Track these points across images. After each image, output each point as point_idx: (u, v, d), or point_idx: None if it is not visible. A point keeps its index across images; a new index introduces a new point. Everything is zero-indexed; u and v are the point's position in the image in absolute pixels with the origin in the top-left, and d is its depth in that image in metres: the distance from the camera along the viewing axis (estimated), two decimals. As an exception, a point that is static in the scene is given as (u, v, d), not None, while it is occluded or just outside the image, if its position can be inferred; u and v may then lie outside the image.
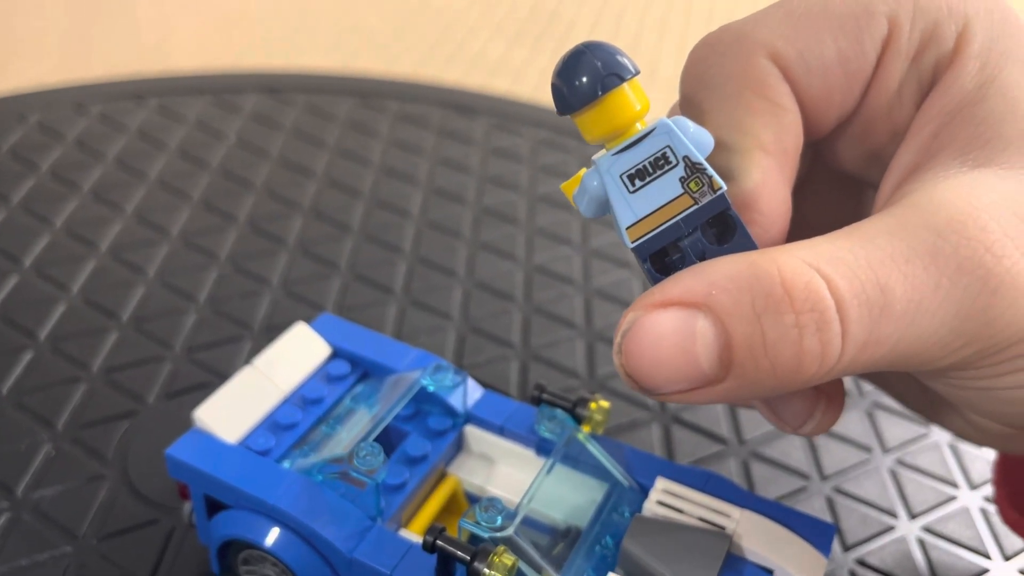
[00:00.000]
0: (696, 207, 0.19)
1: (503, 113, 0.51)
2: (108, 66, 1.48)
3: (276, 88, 0.52)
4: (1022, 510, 0.26)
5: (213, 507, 0.25)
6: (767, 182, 0.19)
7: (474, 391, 0.28)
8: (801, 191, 0.23)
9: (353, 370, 0.28)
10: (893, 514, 0.30)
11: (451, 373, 0.27)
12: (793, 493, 0.31)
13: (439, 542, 0.22)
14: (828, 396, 0.21)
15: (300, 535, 0.24)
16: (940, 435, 0.33)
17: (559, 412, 0.26)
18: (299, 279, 0.38)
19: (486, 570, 0.21)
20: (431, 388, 0.27)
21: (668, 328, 0.18)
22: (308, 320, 0.29)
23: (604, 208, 0.19)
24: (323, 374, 0.28)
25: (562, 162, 0.47)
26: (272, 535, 0.24)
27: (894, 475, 0.32)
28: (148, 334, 0.35)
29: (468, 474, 0.27)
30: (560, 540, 0.24)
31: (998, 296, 0.18)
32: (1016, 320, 0.18)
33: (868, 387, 0.35)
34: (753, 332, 0.17)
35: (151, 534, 0.28)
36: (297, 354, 0.28)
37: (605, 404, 0.26)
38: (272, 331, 0.36)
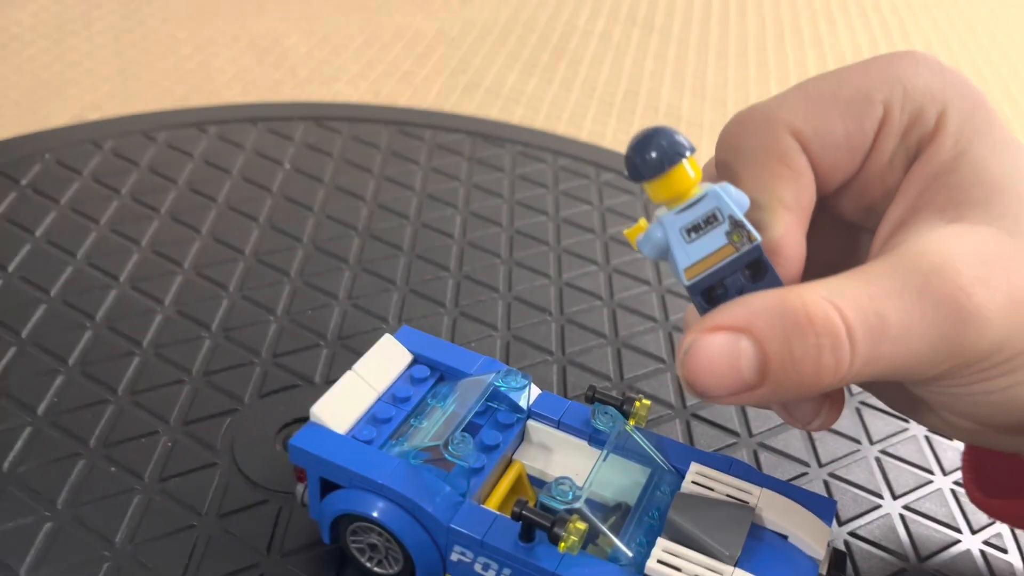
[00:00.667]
0: (737, 255, 0.24)
1: (526, 142, 0.57)
2: (155, 96, 1.55)
3: (322, 117, 0.57)
4: (986, 491, 0.32)
5: (325, 488, 0.31)
6: (789, 233, 0.25)
7: (534, 391, 0.33)
8: (808, 234, 0.28)
9: (432, 373, 0.34)
10: (879, 495, 0.36)
11: (519, 376, 0.33)
12: (795, 478, 0.37)
13: (525, 512, 0.27)
14: (831, 399, 0.27)
15: (404, 508, 0.29)
16: (918, 429, 0.39)
17: (611, 408, 0.31)
18: (362, 294, 0.44)
19: (564, 534, 0.27)
20: (502, 388, 0.32)
21: (719, 348, 0.23)
22: (387, 332, 0.34)
23: (664, 253, 0.25)
24: (407, 377, 0.33)
25: (583, 187, 0.53)
26: (381, 508, 0.29)
27: (879, 463, 0.38)
28: (237, 342, 0.40)
29: (531, 460, 0.33)
30: (613, 514, 0.30)
31: (968, 325, 0.23)
32: (981, 344, 0.24)
33: (856, 389, 0.41)
34: (784, 351, 0.23)
35: (263, 512, 0.33)
36: (386, 361, 0.34)
37: (647, 403, 0.32)
38: (344, 339, 0.41)
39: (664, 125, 0.24)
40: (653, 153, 0.24)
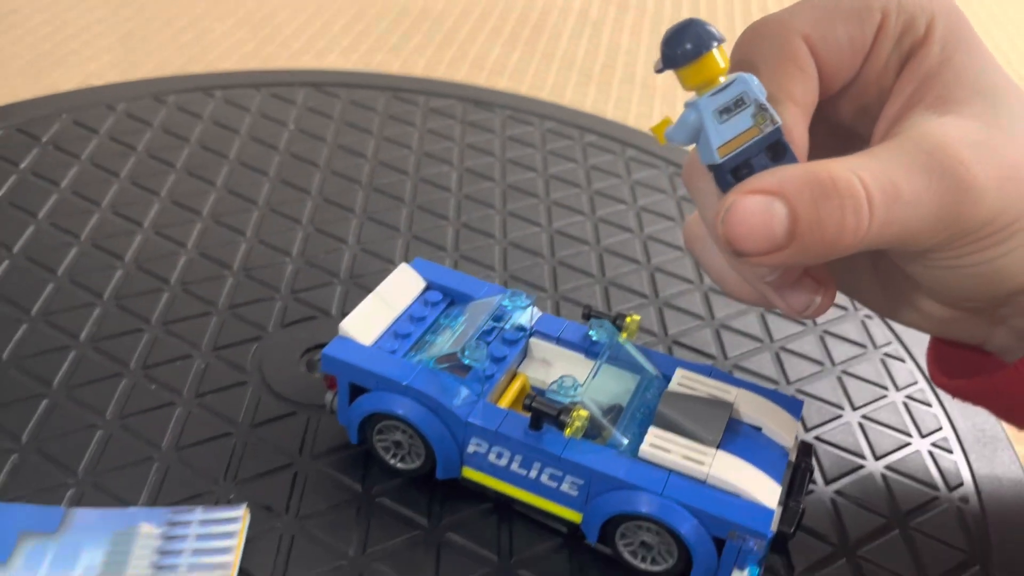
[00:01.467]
0: (761, 136, 0.28)
1: (515, 107, 0.61)
2: (156, 65, 1.58)
3: (321, 83, 0.60)
4: (947, 373, 0.36)
5: (354, 393, 0.34)
6: (796, 124, 0.29)
7: (535, 313, 0.37)
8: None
9: (444, 298, 0.38)
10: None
11: (523, 297, 0.36)
12: (766, 395, 0.41)
13: (535, 404, 0.31)
14: (824, 288, 0.31)
15: (426, 406, 0.33)
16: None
17: (605, 322, 0.35)
18: (370, 239, 0.47)
19: (569, 420, 0.31)
20: (509, 308, 0.36)
21: (755, 207, 0.27)
22: (392, 265, 0.38)
23: (695, 136, 0.28)
24: (422, 300, 0.37)
25: (568, 147, 0.57)
26: (406, 407, 0.33)
27: (861, 427, 0.42)
28: (258, 280, 0.44)
29: (534, 372, 0.37)
30: (609, 413, 0.34)
31: (967, 194, 0.27)
32: (977, 212, 0.27)
33: (840, 358, 0.45)
34: (811, 211, 0.26)
35: (293, 422, 0.37)
36: (403, 286, 0.37)
37: (637, 318, 0.36)
38: (356, 278, 0.45)
39: (696, 18, 0.28)
40: (688, 44, 0.27)
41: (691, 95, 0.28)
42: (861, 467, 0.38)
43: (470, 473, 0.34)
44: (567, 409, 0.31)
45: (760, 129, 0.28)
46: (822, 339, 0.44)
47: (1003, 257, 0.29)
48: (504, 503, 0.34)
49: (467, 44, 1.82)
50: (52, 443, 0.35)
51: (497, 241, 0.49)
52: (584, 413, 0.31)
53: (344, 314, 0.43)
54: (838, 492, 0.37)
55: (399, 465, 0.35)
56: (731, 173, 0.28)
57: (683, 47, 0.27)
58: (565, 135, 0.58)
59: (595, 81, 1.60)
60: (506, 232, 0.49)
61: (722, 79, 0.28)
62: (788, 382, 0.42)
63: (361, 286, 0.44)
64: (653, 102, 0.73)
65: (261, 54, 1.71)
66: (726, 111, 0.28)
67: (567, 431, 0.31)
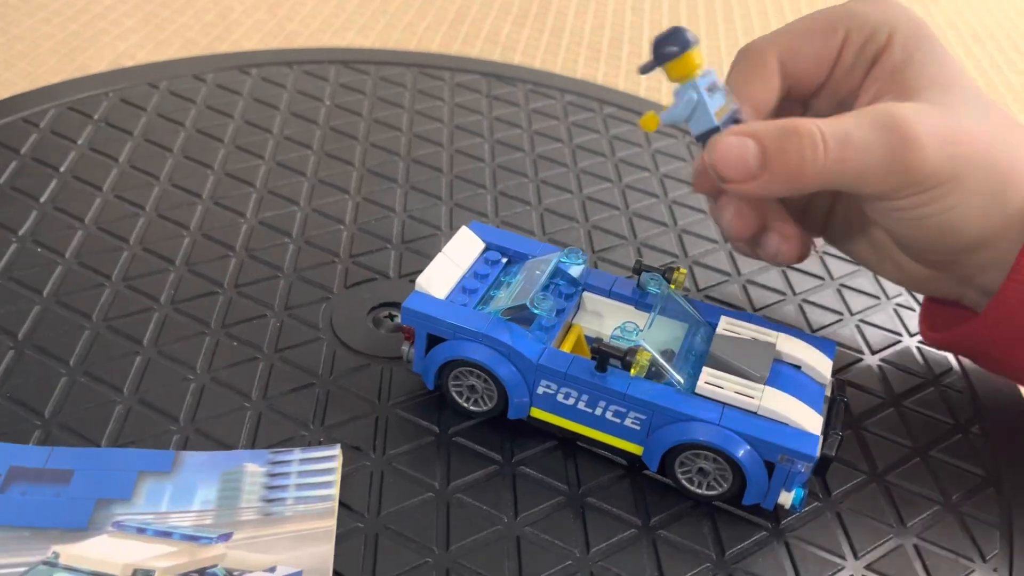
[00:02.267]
0: (732, 109, 0.36)
1: (535, 81, 0.64)
2: (183, 45, 1.63)
3: (350, 61, 0.63)
4: (935, 328, 0.42)
5: (431, 343, 0.38)
6: (747, 116, 0.37)
7: (587, 269, 0.41)
8: None
9: (502, 257, 0.41)
10: (881, 396, 0.45)
11: (579, 253, 0.40)
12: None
13: (602, 347, 0.35)
14: (787, 238, 0.39)
15: (500, 352, 0.36)
16: (910, 341, 0.48)
17: (657, 275, 0.39)
18: (416, 207, 0.50)
19: (634, 361, 0.34)
20: (564, 263, 0.40)
21: (733, 141, 0.35)
22: (442, 237, 0.41)
23: (692, 110, 0.35)
24: (483, 259, 0.41)
25: (589, 119, 0.60)
26: (482, 353, 0.36)
27: (880, 369, 0.46)
28: (317, 246, 0.47)
29: (587, 323, 0.40)
30: (663, 356, 0.37)
31: (910, 145, 0.34)
32: (918, 165, 0.34)
33: (856, 308, 0.49)
34: (778, 146, 0.34)
35: (369, 373, 0.40)
36: (466, 246, 0.41)
37: (684, 271, 0.39)
38: (407, 243, 0.48)
39: (678, 25, 0.35)
40: (675, 45, 0.35)
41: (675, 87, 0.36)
42: (883, 404, 0.42)
43: (538, 413, 0.37)
44: (632, 351, 0.35)
45: (729, 106, 0.36)
46: (839, 291, 0.48)
47: (949, 211, 0.35)
48: (568, 440, 0.38)
49: (479, 22, 1.87)
50: (152, 395, 0.38)
51: (533, 207, 0.52)
52: (647, 354, 0.35)
53: (401, 276, 0.46)
54: (864, 428, 0.41)
55: (472, 408, 0.38)
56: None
57: (672, 48, 0.35)
58: (586, 107, 0.62)
59: (604, 55, 1.65)
60: (540, 198, 0.53)
61: (699, 72, 0.36)
62: (811, 330, 0.46)
63: (413, 250, 0.47)
64: (661, 76, 0.77)
65: (283, 33, 1.76)
66: (711, 89, 0.36)
67: (632, 371, 0.35)
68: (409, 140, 0.56)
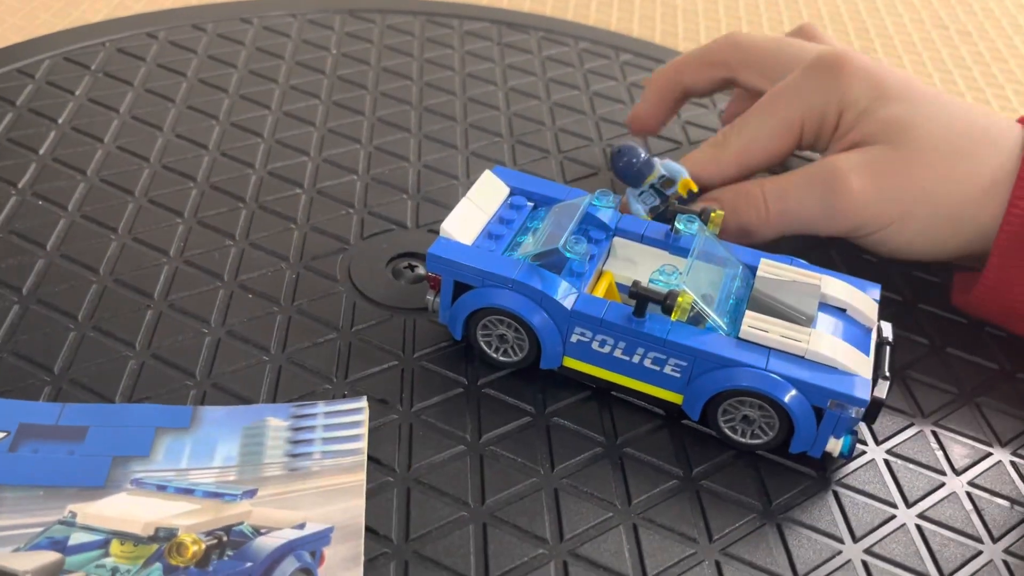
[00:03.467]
0: (661, 174, 0.42)
1: (548, 28, 0.61)
2: None
3: (355, 9, 0.61)
4: (962, 291, 0.42)
5: (458, 291, 0.36)
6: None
7: (617, 214, 0.39)
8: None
9: (528, 202, 0.39)
10: (926, 342, 0.43)
11: (611, 196, 0.38)
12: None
13: (640, 290, 0.33)
14: None
15: (532, 299, 0.35)
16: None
17: (693, 216, 0.37)
18: (430, 156, 0.49)
19: (675, 305, 0.33)
20: (596, 205, 0.38)
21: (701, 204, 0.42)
22: (459, 187, 0.40)
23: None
24: (508, 204, 0.39)
25: (605, 66, 0.58)
26: (513, 300, 0.35)
27: (921, 316, 0.44)
28: (331, 196, 0.45)
29: (618, 270, 0.38)
30: (702, 296, 0.36)
31: (843, 198, 0.40)
32: (860, 212, 0.40)
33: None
34: (731, 207, 0.42)
35: (392, 324, 0.38)
36: (491, 191, 0.39)
37: (721, 212, 0.38)
38: (424, 193, 0.46)
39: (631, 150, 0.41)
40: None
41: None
42: (926, 349, 0.40)
43: (571, 363, 0.36)
44: (672, 294, 0.33)
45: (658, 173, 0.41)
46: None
47: (912, 242, 0.41)
48: (602, 390, 0.36)
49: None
50: (166, 349, 0.36)
51: (552, 156, 0.50)
52: (689, 297, 0.33)
53: (419, 226, 0.44)
54: (909, 375, 0.39)
55: (502, 359, 0.37)
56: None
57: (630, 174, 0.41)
58: (601, 55, 0.59)
59: (616, 0, 1.59)
60: (559, 146, 0.51)
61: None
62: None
63: (430, 200, 0.46)
64: (676, 19, 0.74)
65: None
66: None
67: (673, 315, 0.33)
68: (420, 89, 0.54)
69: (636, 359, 0.35)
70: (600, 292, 0.37)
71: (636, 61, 0.59)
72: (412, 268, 0.41)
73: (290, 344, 0.37)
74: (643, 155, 0.41)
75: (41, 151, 0.46)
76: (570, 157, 0.50)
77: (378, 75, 0.55)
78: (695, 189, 0.41)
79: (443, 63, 0.57)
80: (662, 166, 0.41)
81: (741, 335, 0.34)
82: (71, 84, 0.51)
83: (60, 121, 0.48)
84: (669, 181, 0.41)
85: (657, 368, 0.34)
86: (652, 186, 0.41)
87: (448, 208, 0.44)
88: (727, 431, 0.35)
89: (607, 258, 0.39)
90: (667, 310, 0.33)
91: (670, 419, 0.36)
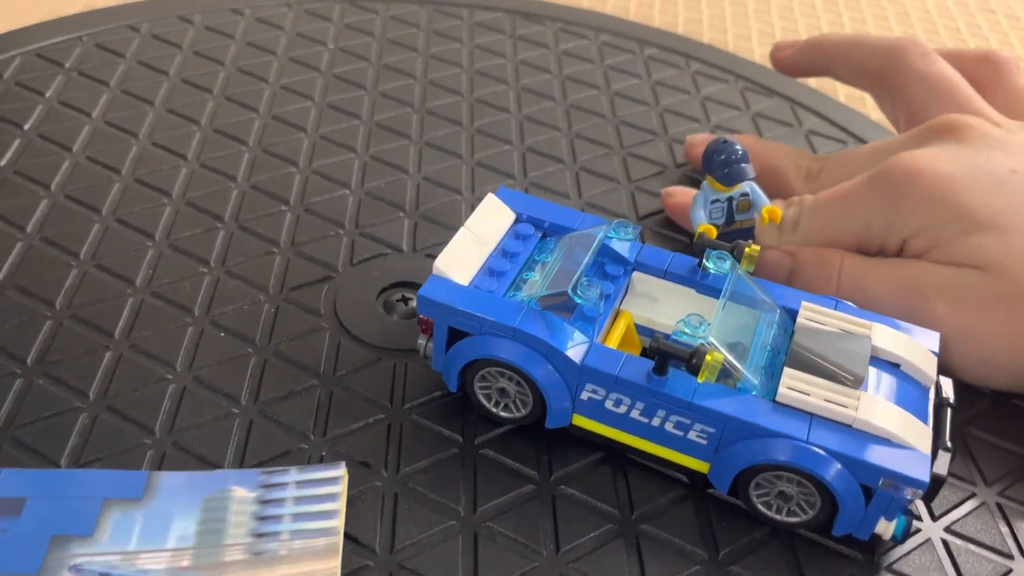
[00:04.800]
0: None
1: (565, 19, 0.56)
2: None
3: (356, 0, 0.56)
4: None
5: (452, 337, 0.32)
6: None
7: (638, 243, 0.34)
8: None
9: (536, 230, 0.34)
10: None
11: (629, 228, 0.33)
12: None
13: (662, 346, 0.29)
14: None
15: (536, 350, 0.30)
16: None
17: (724, 253, 0.32)
18: (431, 167, 0.44)
19: (703, 365, 0.28)
20: (612, 239, 0.33)
21: (776, 258, 0.38)
22: (462, 202, 0.35)
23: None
24: (513, 233, 0.34)
25: (628, 62, 0.53)
26: (514, 351, 0.30)
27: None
28: (319, 215, 0.40)
29: (638, 310, 0.34)
30: (732, 352, 0.31)
31: (918, 319, 0.34)
32: (915, 217, 0.35)
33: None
34: (804, 272, 0.37)
35: (380, 369, 0.34)
36: (493, 218, 0.34)
37: (757, 247, 0.33)
38: (422, 210, 0.41)
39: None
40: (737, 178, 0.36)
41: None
42: (987, 401, 0.36)
43: (582, 421, 0.31)
44: (699, 352, 0.28)
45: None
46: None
47: (964, 372, 0.35)
48: (616, 451, 0.32)
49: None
50: (123, 400, 0.32)
51: (567, 166, 0.45)
52: (719, 356, 0.28)
53: (416, 249, 0.39)
54: (969, 431, 0.34)
55: (503, 414, 0.32)
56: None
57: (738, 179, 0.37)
58: (624, 48, 0.54)
59: None
60: (575, 155, 0.46)
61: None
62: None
63: (429, 219, 0.41)
64: (700, 4, 0.68)
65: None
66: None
67: (701, 376, 0.28)
68: (424, 88, 0.49)
69: (656, 422, 0.30)
70: (616, 336, 0.33)
71: (662, 56, 0.54)
72: (406, 301, 0.37)
73: (264, 393, 0.33)
74: (743, 156, 0.36)
75: (1, 162, 0.42)
76: (587, 168, 0.45)
77: (378, 73, 0.50)
78: (778, 221, 0.37)
79: (450, 59, 0.52)
80: (749, 185, 0.37)
81: (778, 398, 0.29)
82: (41, 84, 0.46)
83: (26, 127, 0.44)
84: (747, 203, 0.37)
85: (680, 433, 0.30)
86: (729, 199, 0.37)
87: (449, 228, 0.40)
88: (761, 507, 0.30)
89: (625, 295, 0.34)
90: (693, 370, 0.29)
91: (694, 487, 0.31)
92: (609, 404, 0.30)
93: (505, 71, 0.51)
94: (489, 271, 0.32)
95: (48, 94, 0.46)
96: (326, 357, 0.34)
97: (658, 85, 0.51)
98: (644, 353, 0.34)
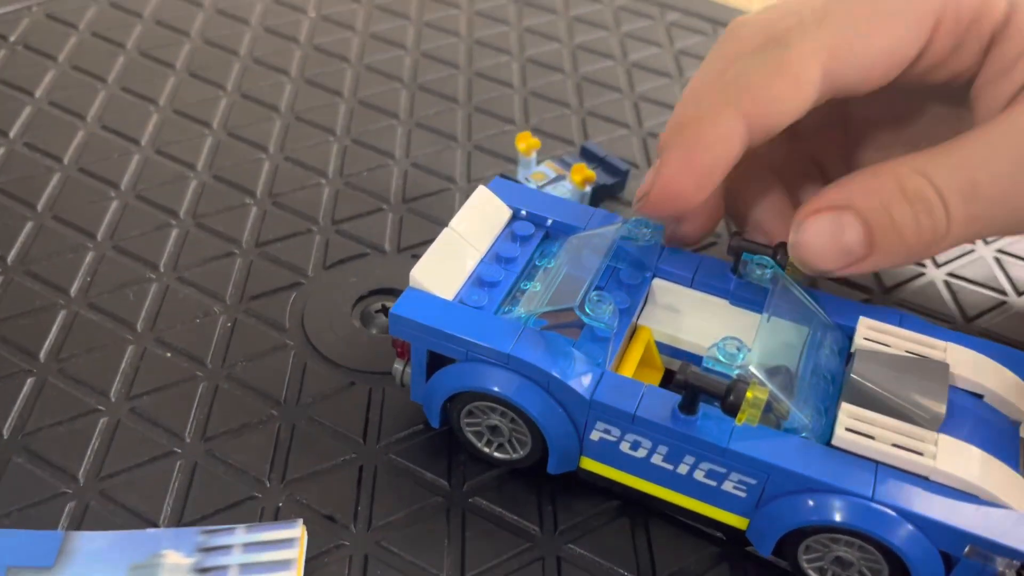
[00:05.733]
0: None
1: (576, -19, 0.50)
2: None
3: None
4: None
5: (433, 363, 0.26)
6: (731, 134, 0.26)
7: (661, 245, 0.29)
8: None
9: (536, 229, 0.29)
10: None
11: (650, 226, 0.28)
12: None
13: (692, 380, 0.23)
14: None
15: (534, 381, 0.25)
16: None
17: (766, 259, 0.27)
18: (422, 152, 0.38)
19: (743, 404, 0.23)
20: (633, 242, 0.28)
21: (824, 226, 0.25)
22: (456, 193, 0.29)
23: None
24: (508, 234, 0.29)
25: (647, 29, 0.47)
26: (506, 383, 0.25)
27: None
28: (289, 208, 0.35)
29: (659, 325, 0.28)
30: (775, 379, 0.25)
31: None
32: None
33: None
34: (884, 219, 0.25)
35: (352, 396, 0.29)
36: (484, 216, 0.28)
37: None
38: (410, 202, 0.36)
39: None
40: None
41: None
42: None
43: (591, 465, 0.26)
44: (739, 389, 0.23)
45: None
46: (998, 261, 0.36)
47: None
48: (634, 500, 0.27)
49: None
50: (43, 437, 0.27)
51: (577, 149, 0.39)
52: (763, 393, 0.23)
53: (401, 250, 0.34)
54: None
55: (496, 455, 0.27)
56: None
57: None
58: (643, 13, 0.48)
59: None
60: (586, 135, 0.40)
61: None
62: (965, 319, 0.33)
63: (418, 213, 0.35)
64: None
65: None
66: None
67: (740, 417, 0.23)
68: (415, 61, 0.44)
69: (683, 469, 0.24)
70: (633, 358, 0.27)
71: (686, 21, 0.48)
72: (386, 312, 0.32)
73: (213, 427, 0.28)
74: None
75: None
76: (593, 109, 0.39)
77: (364, 43, 0.44)
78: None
79: (445, 26, 0.46)
80: None
81: (835, 442, 0.23)
82: (-19, 60, 0.41)
83: (-41, 109, 0.39)
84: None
85: (713, 483, 0.24)
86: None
87: (440, 224, 0.34)
88: (813, 575, 0.25)
89: (644, 307, 0.28)
90: (730, 410, 0.23)
91: (730, 544, 0.26)
92: (625, 447, 0.25)
93: (508, 40, 0.45)
94: (479, 281, 0.27)
95: (-12, 71, 0.40)
96: (289, 382, 0.29)
97: (681, 54, 0.45)
98: (668, 376, 0.28)
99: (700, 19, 0.48)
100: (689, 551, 0.25)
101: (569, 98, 0.42)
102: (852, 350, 0.26)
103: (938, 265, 0.35)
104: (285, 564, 0.24)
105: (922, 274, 0.34)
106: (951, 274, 0.35)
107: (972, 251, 0.36)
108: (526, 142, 0.35)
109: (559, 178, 0.35)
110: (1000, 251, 0.36)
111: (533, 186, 0.35)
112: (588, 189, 0.35)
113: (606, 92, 0.43)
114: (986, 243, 0.36)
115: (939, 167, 0.25)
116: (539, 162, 0.36)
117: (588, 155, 0.37)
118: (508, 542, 0.25)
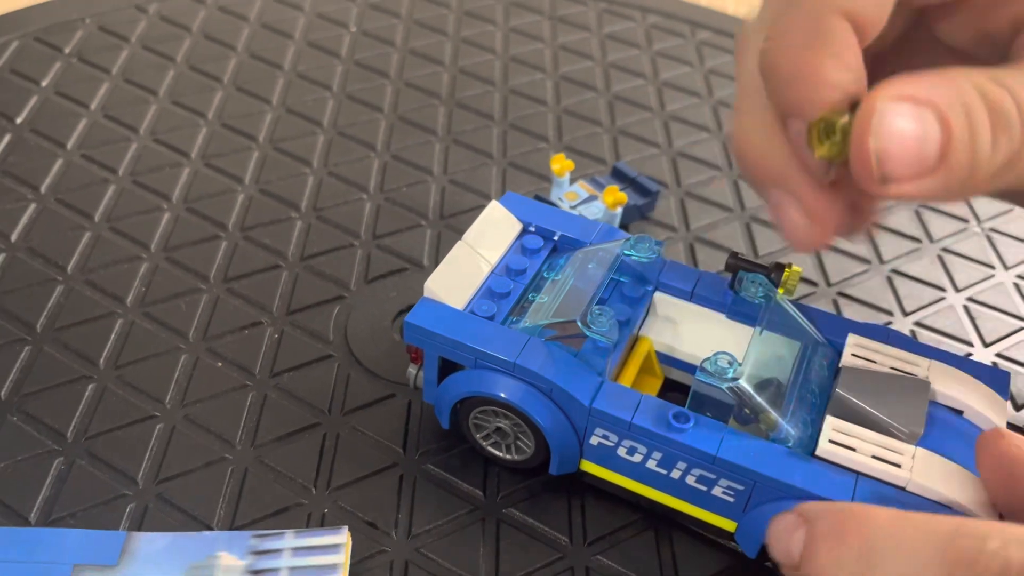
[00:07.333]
0: None
1: (610, -2, 0.52)
2: None
3: (382, -25, 0.51)
4: None
5: (445, 369, 0.28)
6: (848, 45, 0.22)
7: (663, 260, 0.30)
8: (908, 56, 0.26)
9: (545, 244, 0.30)
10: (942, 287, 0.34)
11: (651, 242, 0.29)
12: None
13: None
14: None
15: (538, 388, 0.26)
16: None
17: (760, 277, 0.28)
18: (459, 168, 0.40)
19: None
20: (632, 257, 0.29)
21: (909, 120, 0.21)
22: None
23: None
24: (518, 247, 0.30)
25: (678, 48, 0.48)
26: (512, 389, 0.26)
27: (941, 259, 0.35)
28: (332, 223, 0.36)
29: (659, 336, 0.29)
30: (766, 392, 0.26)
31: None
32: None
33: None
34: (964, 126, 0.21)
35: (392, 407, 0.30)
36: (496, 229, 0.30)
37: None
38: (447, 219, 0.37)
39: None
40: None
41: None
42: None
43: (591, 467, 0.27)
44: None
45: None
46: (918, 214, 0.37)
47: None
48: (660, 514, 0.28)
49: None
50: (104, 442, 0.29)
51: (609, 167, 0.41)
52: (771, 418, 0.24)
53: (439, 265, 0.35)
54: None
55: (504, 456, 0.28)
56: None
57: None
58: (675, 32, 0.49)
59: None
60: (618, 153, 0.41)
61: None
62: (881, 261, 0.34)
63: (455, 229, 0.37)
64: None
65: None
66: None
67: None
68: (453, 77, 0.45)
69: (676, 474, 0.26)
70: (634, 367, 0.28)
71: (716, 40, 0.49)
72: (425, 326, 0.33)
73: (262, 435, 0.29)
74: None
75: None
76: (634, 168, 0.41)
77: (403, 59, 0.46)
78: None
79: (482, 43, 0.47)
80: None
81: (819, 452, 0.25)
82: (37, 72, 0.43)
83: (19, 121, 0.40)
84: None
85: (703, 488, 0.26)
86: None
87: (475, 240, 0.36)
88: (821, 587, 0.26)
89: (645, 318, 0.30)
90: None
91: (751, 558, 0.27)
92: (622, 452, 0.26)
93: (542, 57, 0.47)
94: (489, 292, 0.28)
95: (44, 83, 0.42)
96: (334, 393, 0.31)
97: (711, 74, 0.47)
98: (666, 384, 0.30)
99: (731, 38, 0.49)
100: (714, 564, 0.27)
101: (601, 116, 0.43)
102: (839, 366, 0.27)
103: (958, 290, 0.36)
104: (332, 568, 0.25)
105: (943, 298, 0.36)
106: (970, 299, 0.36)
107: (992, 276, 0.37)
108: (560, 163, 0.36)
109: (591, 198, 0.37)
110: (1019, 276, 0.37)
111: (566, 206, 0.36)
112: (619, 210, 0.36)
113: (637, 111, 0.44)
114: (1006, 269, 0.37)
115: (1020, 84, 0.21)
116: (572, 181, 0.38)
117: (620, 175, 0.39)
118: (540, 552, 0.27)
